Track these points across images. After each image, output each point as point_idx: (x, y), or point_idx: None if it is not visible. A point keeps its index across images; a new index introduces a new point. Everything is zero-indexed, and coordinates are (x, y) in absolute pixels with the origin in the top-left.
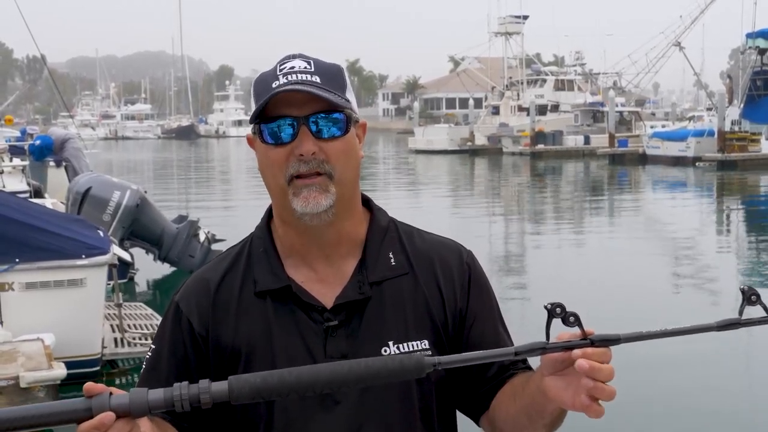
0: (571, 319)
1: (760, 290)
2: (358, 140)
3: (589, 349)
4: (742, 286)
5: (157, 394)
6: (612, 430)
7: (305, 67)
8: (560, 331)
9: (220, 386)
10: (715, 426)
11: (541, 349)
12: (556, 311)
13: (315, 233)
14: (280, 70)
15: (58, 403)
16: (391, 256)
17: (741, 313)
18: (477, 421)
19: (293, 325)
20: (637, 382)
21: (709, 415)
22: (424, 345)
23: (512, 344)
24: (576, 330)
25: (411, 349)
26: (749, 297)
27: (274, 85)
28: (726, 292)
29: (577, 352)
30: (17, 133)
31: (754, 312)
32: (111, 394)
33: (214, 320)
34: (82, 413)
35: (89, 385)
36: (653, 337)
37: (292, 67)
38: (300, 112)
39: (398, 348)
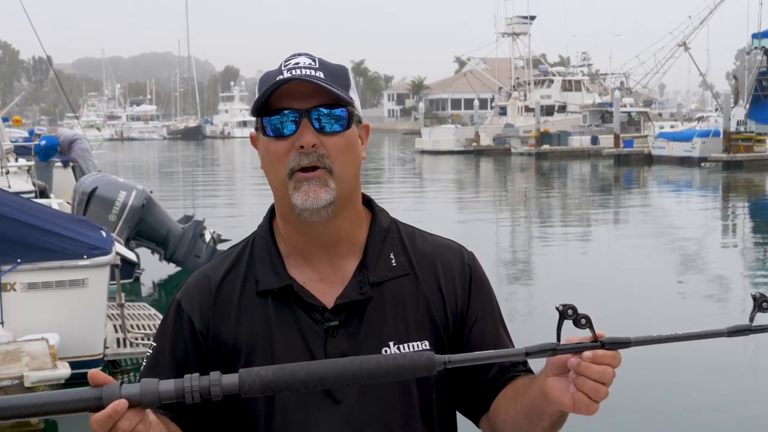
0: (583, 321)
1: None
2: (361, 141)
3: (599, 351)
4: (753, 293)
5: (167, 384)
6: (612, 417)
7: (310, 63)
8: (570, 334)
9: (231, 379)
10: (716, 420)
11: (552, 350)
12: (567, 313)
13: (315, 231)
14: (285, 66)
15: (67, 391)
16: (392, 256)
17: (752, 319)
18: (477, 423)
19: (294, 325)
20: (645, 386)
21: (716, 421)
22: (425, 346)
23: (512, 345)
24: (587, 332)
25: (411, 349)
26: (761, 304)
27: (278, 79)
28: (734, 294)
29: (587, 354)
30: (25, 134)
31: (765, 319)
32: (121, 384)
33: (214, 319)
34: (92, 402)
35: (94, 372)
36: (663, 341)
37: (297, 63)
38: (302, 105)
39: (398, 348)
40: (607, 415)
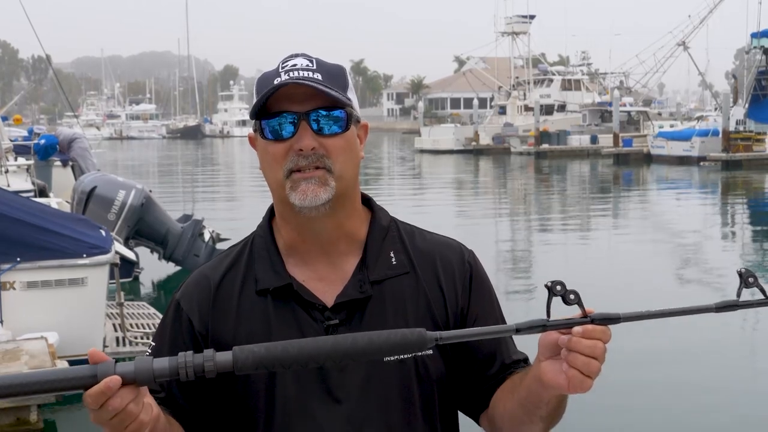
0: (572, 296)
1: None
2: (360, 141)
3: (589, 326)
4: (739, 269)
5: (162, 362)
6: (610, 408)
7: (307, 65)
8: (561, 316)
9: (225, 356)
10: (712, 405)
11: (542, 326)
12: (556, 289)
13: (314, 229)
14: (282, 68)
15: (63, 369)
16: (392, 255)
17: (739, 295)
18: (477, 421)
19: (294, 324)
20: (636, 364)
21: (705, 396)
22: None
23: (513, 342)
24: (578, 310)
25: None
26: (746, 280)
27: (275, 82)
28: (728, 286)
29: (577, 329)
30: (25, 133)
31: (752, 295)
32: (116, 362)
33: (214, 319)
34: (87, 379)
35: (94, 350)
36: (653, 316)
37: (294, 65)
38: (301, 107)
39: None
40: (605, 410)
